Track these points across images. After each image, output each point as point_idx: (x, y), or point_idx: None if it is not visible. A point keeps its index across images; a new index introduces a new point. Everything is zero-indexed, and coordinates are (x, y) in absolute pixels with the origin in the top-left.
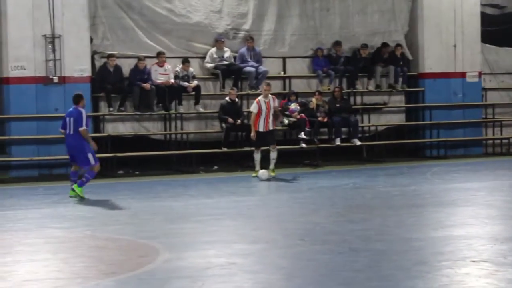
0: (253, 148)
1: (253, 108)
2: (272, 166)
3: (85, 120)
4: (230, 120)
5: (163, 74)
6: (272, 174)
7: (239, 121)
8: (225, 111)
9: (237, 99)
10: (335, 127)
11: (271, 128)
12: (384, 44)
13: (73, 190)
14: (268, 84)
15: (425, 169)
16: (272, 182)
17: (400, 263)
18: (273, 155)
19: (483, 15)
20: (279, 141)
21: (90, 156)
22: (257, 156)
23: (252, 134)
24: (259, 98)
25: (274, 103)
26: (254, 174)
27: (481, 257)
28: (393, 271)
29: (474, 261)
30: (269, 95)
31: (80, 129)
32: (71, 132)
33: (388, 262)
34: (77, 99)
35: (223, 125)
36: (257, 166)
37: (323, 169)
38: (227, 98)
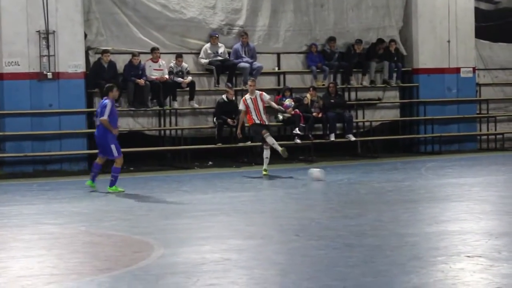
0: (248, 143)
1: (241, 106)
2: (265, 165)
3: (108, 111)
4: (230, 121)
5: (158, 70)
6: (264, 173)
7: (235, 121)
8: (221, 109)
9: (233, 98)
10: (329, 122)
11: (267, 123)
12: (379, 40)
13: (92, 181)
14: (253, 80)
15: (419, 164)
16: (267, 177)
17: (395, 258)
18: (266, 153)
19: (477, 11)
20: (274, 137)
21: (113, 147)
22: (267, 153)
23: (238, 131)
24: (245, 96)
25: (262, 98)
26: (264, 173)
27: (476, 252)
28: (388, 267)
29: (468, 256)
30: (256, 91)
31: (101, 118)
32: (97, 123)
33: (383, 257)
34: (105, 90)
35: (215, 120)
36: (265, 164)
37: (317, 164)
38: (223, 97)
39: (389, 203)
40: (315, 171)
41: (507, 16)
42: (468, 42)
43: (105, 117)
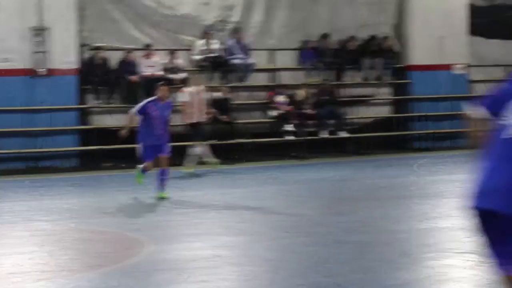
0: (240, 140)
1: None
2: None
3: (139, 106)
4: (226, 118)
5: (151, 66)
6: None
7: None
8: (215, 105)
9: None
10: (322, 119)
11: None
12: (372, 37)
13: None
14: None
15: (412, 161)
16: (258, 174)
17: (385, 255)
18: (197, 150)
19: (472, 7)
20: (266, 133)
21: (139, 146)
22: (197, 150)
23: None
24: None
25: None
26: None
27: (466, 249)
28: (378, 263)
29: (459, 253)
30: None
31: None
32: None
33: (373, 254)
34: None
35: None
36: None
37: (310, 161)
38: (220, 93)
39: (380, 200)
40: None
41: (501, 12)
42: (462, 39)
43: (133, 110)
